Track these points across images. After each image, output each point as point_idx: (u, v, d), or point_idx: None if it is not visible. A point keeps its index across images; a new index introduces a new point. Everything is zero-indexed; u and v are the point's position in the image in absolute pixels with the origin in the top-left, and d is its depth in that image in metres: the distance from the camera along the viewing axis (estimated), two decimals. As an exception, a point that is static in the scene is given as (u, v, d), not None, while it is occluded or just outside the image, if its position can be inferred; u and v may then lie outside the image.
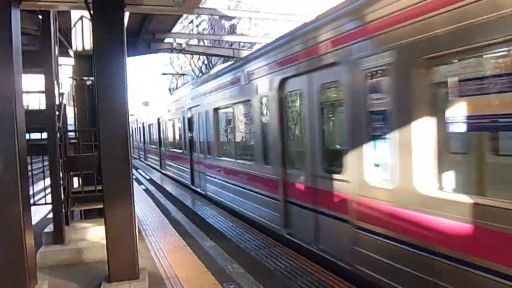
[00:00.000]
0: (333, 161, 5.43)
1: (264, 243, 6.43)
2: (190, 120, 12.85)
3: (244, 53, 14.85)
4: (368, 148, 4.43)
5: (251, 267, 5.17)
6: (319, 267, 5.20)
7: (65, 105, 6.20)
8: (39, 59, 5.54)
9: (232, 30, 31.12)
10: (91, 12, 4.10)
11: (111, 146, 4.11)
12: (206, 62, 31.90)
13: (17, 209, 3.70)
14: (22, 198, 3.75)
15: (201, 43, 23.18)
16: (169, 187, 13.80)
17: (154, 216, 8.38)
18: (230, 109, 9.34)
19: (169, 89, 39.85)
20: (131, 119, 5.27)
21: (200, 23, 43.07)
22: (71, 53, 7.07)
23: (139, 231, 6.73)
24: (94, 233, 5.78)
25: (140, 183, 15.24)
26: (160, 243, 6.25)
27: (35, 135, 6.62)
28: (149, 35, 14.34)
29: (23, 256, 3.75)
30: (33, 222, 4.23)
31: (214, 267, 5.08)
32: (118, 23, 4.12)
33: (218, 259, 5.46)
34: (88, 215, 6.51)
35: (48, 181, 6.00)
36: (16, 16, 3.79)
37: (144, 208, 9.26)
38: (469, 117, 3.40)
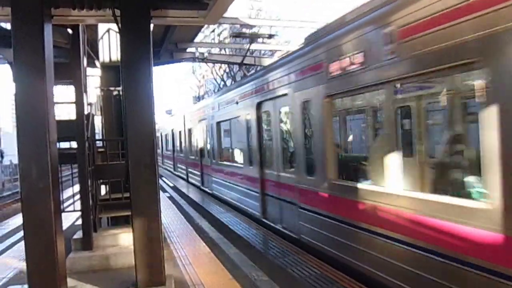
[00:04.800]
0: (289, 159, 7.35)
1: (288, 251, 6.40)
2: (200, 132, 15.25)
3: (265, 61, 14.92)
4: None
5: (275, 274, 5.15)
6: (344, 275, 5.14)
7: (93, 115, 6.37)
8: (68, 71, 5.73)
9: (253, 39, 31.30)
10: (119, 25, 4.23)
11: (139, 154, 4.21)
12: (227, 70, 32.14)
13: (49, 216, 3.82)
14: (54, 205, 3.86)
15: (223, 52, 23.41)
16: (192, 194, 13.94)
17: (178, 223, 8.47)
18: (227, 123, 11.72)
19: (194, 98, 40.37)
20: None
21: (221, 32, 43.56)
22: (97, 64, 7.27)
23: (164, 238, 6.82)
24: (121, 240, 5.90)
25: (164, 190, 15.43)
26: (185, 250, 6.32)
27: (64, 144, 6.82)
28: (172, 45, 14.55)
29: (55, 261, 3.85)
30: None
31: (239, 274, 5.10)
32: (144, 35, 4.24)
33: (243, 266, 5.47)
34: (114, 222, 6.64)
35: (75, 188, 6.16)
36: (48, 31, 3.95)
37: (168, 215, 9.37)
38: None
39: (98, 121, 7.56)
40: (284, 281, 5.01)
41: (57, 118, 4.20)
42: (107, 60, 6.89)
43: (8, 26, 7.04)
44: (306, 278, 5.15)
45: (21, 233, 7.63)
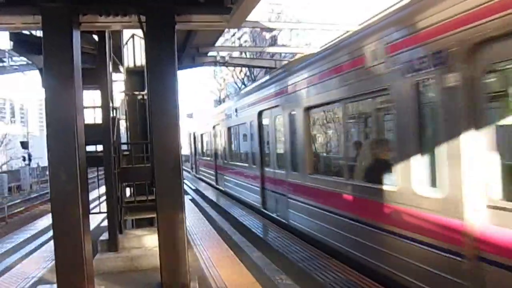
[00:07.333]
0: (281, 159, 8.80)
1: (312, 255, 6.35)
2: (214, 136, 16.98)
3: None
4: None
5: (299, 278, 5.12)
6: (371, 280, 5.06)
7: (118, 119, 6.50)
8: (95, 76, 5.86)
9: (274, 41, 31.31)
10: (144, 30, 4.31)
11: (164, 157, 4.27)
12: (248, 73, 32.27)
13: (77, 218, 3.92)
14: (82, 207, 3.96)
15: (243, 55, 23.50)
16: (215, 197, 14.03)
17: (201, 226, 8.54)
18: (237, 128, 13.38)
19: (215, 101, 40.76)
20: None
21: (242, 36, 43.76)
22: (121, 69, 7.42)
23: (188, 240, 6.87)
24: (146, 242, 5.99)
25: (186, 193, 15.58)
26: (208, 252, 6.35)
27: (90, 147, 6.97)
28: (193, 49, 14.70)
29: (83, 261, 3.95)
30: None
31: (262, 277, 5.09)
32: (169, 39, 4.30)
33: (266, 269, 5.46)
34: (139, 224, 6.75)
35: (101, 190, 6.29)
36: (76, 38, 4.06)
37: (191, 217, 9.45)
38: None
39: (123, 125, 7.71)
40: (309, 285, 4.98)
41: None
42: (131, 65, 7.02)
43: (39, 33, 7.26)
44: (331, 282, 5.10)
45: (49, 234, 7.85)
